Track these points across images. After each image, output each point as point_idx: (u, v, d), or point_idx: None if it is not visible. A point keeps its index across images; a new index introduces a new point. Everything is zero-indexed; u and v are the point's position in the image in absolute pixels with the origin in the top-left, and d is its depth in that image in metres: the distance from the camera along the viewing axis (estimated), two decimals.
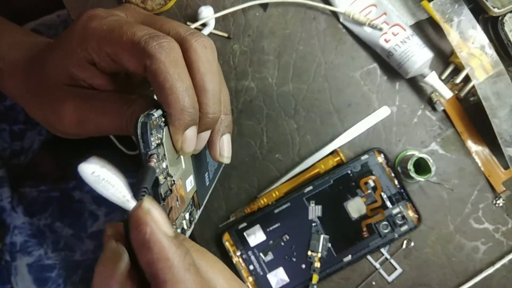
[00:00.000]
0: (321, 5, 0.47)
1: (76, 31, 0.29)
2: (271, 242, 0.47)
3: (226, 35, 0.48)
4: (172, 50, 0.27)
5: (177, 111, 0.27)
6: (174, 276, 0.22)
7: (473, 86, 0.46)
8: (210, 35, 0.48)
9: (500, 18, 0.44)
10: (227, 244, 0.47)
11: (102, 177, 0.21)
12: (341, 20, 0.48)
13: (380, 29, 0.46)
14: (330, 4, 0.48)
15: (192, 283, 0.22)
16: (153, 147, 0.25)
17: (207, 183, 0.39)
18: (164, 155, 0.27)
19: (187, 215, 0.32)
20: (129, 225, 0.22)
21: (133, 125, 0.27)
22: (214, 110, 0.29)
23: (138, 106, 0.29)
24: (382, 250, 0.47)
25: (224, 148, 0.33)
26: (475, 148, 0.48)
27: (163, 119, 0.27)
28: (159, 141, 0.26)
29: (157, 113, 0.26)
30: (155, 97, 0.29)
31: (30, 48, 0.36)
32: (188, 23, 0.48)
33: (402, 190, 0.46)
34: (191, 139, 0.29)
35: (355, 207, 0.46)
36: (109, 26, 0.28)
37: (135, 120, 0.27)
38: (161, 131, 0.27)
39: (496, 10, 0.44)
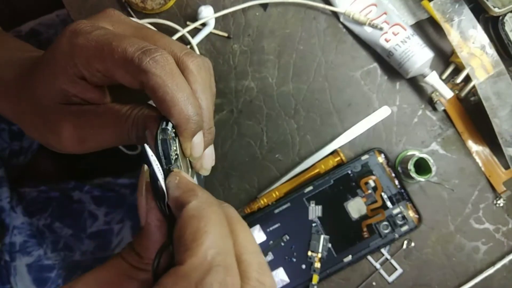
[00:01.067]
0: (321, 5, 0.47)
1: (62, 48, 0.29)
2: (271, 242, 0.47)
3: (226, 34, 0.48)
4: (167, 62, 0.27)
5: (183, 122, 0.27)
6: (199, 204, 0.23)
7: (474, 86, 0.46)
8: (210, 34, 0.48)
9: (500, 18, 0.44)
10: None
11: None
12: (341, 19, 0.48)
13: (381, 29, 0.46)
14: (330, 4, 0.48)
15: (216, 218, 0.23)
16: (173, 161, 0.26)
17: (202, 176, 0.39)
18: (181, 165, 0.27)
19: None
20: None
21: (135, 135, 0.28)
22: (209, 125, 0.30)
23: (137, 115, 0.29)
24: (383, 250, 0.47)
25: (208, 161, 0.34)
26: (476, 148, 0.48)
27: (174, 130, 0.27)
28: (176, 153, 0.27)
29: (169, 126, 0.27)
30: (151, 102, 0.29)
31: (23, 65, 0.35)
32: (188, 22, 0.47)
33: (402, 190, 0.46)
34: (199, 145, 0.29)
35: (356, 207, 0.46)
36: (98, 42, 0.27)
37: (135, 131, 0.28)
38: (175, 142, 0.27)
39: (496, 9, 0.43)
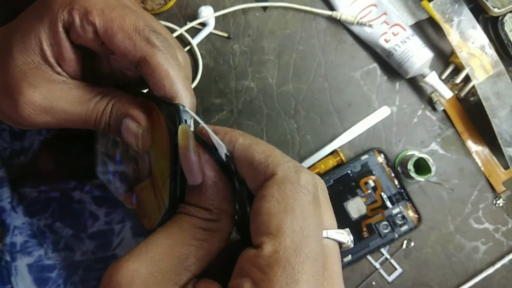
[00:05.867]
0: (307, 8, 0.47)
1: None
2: None
3: (226, 35, 0.48)
4: (171, 45, 0.28)
5: (187, 99, 0.27)
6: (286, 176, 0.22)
7: (473, 86, 0.46)
8: (210, 35, 0.48)
9: (500, 18, 0.44)
10: None
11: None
12: (341, 20, 0.48)
13: (370, 26, 0.46)
14: (330, 4, 0.48)
15: None
16: None
17: None
18: None
19: None
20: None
21: (107, 123, 0.28)
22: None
23: (117, 99, 0.28)
24: (382, 250, 0.47)
25: None
26: (475, 148, 0.48)
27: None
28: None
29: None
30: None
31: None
32: (188, 23, 0.48)
33: (402, 190, 0.46)
34: None
35: (355, 207, 0.46)
36: (108, 1, 0.27)
37: (110, 118, 0.28)
38: None
39: (496, 10, 0.44)
